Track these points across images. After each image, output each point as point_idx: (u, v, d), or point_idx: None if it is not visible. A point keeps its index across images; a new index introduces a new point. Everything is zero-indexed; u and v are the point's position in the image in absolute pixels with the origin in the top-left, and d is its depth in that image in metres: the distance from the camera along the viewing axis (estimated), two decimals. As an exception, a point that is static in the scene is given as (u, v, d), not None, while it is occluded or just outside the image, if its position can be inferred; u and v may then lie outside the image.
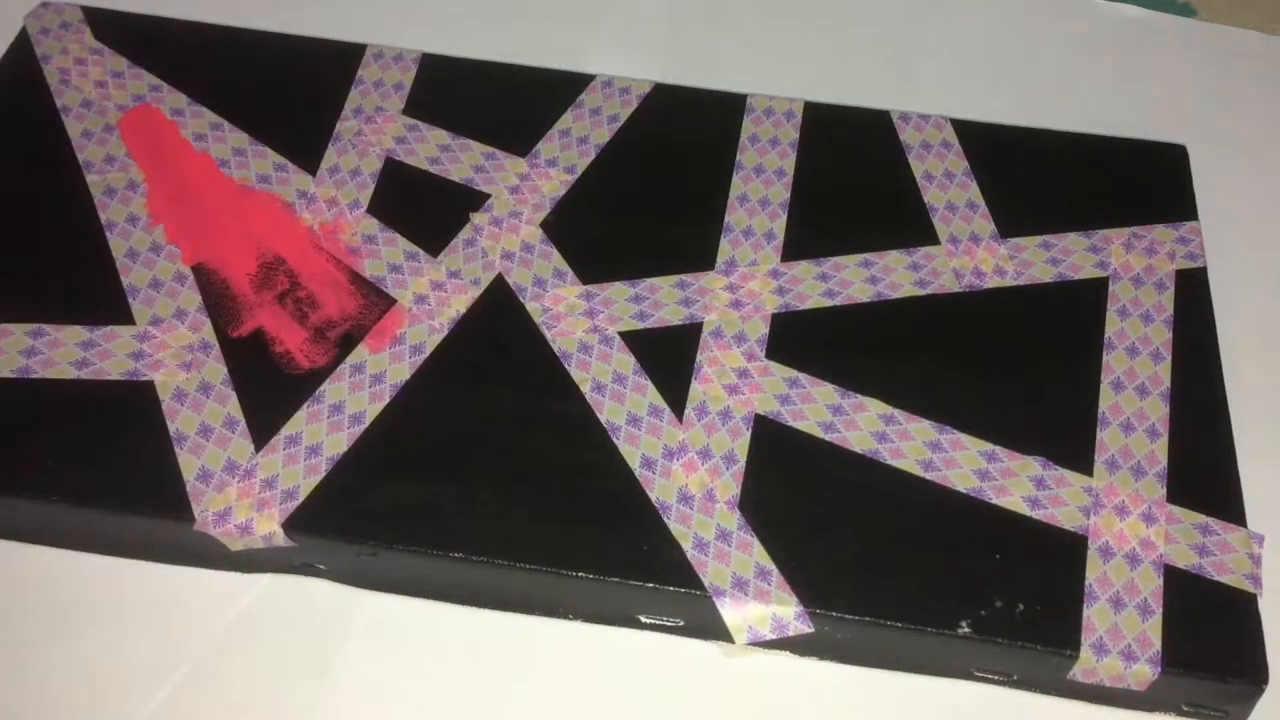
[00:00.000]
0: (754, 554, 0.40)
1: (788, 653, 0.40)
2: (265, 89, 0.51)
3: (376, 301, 0.45)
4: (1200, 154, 0.51)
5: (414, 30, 0.56)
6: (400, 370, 0.43)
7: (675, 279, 0.46)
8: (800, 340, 0.45)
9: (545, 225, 0.47)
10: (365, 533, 0.40)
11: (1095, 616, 0.39)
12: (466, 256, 0.46)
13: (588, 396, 0.43)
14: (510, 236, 0.47)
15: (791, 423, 0.42)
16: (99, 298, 0.44)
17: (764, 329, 0.45)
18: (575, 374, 0.43)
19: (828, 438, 0.42)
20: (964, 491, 0.41)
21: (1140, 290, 0.46)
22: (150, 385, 0.42)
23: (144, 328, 0.44)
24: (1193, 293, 0.47)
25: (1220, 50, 0.60)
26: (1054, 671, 0.39)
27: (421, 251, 0.46)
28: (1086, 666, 0.38)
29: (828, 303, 0.46)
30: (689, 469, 0.41)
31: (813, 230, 0.48)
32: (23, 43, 0.52)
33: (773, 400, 0.43)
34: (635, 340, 0.44)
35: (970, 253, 0.47)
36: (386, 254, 0.46)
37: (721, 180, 0.49)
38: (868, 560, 0.40)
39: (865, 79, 0.57)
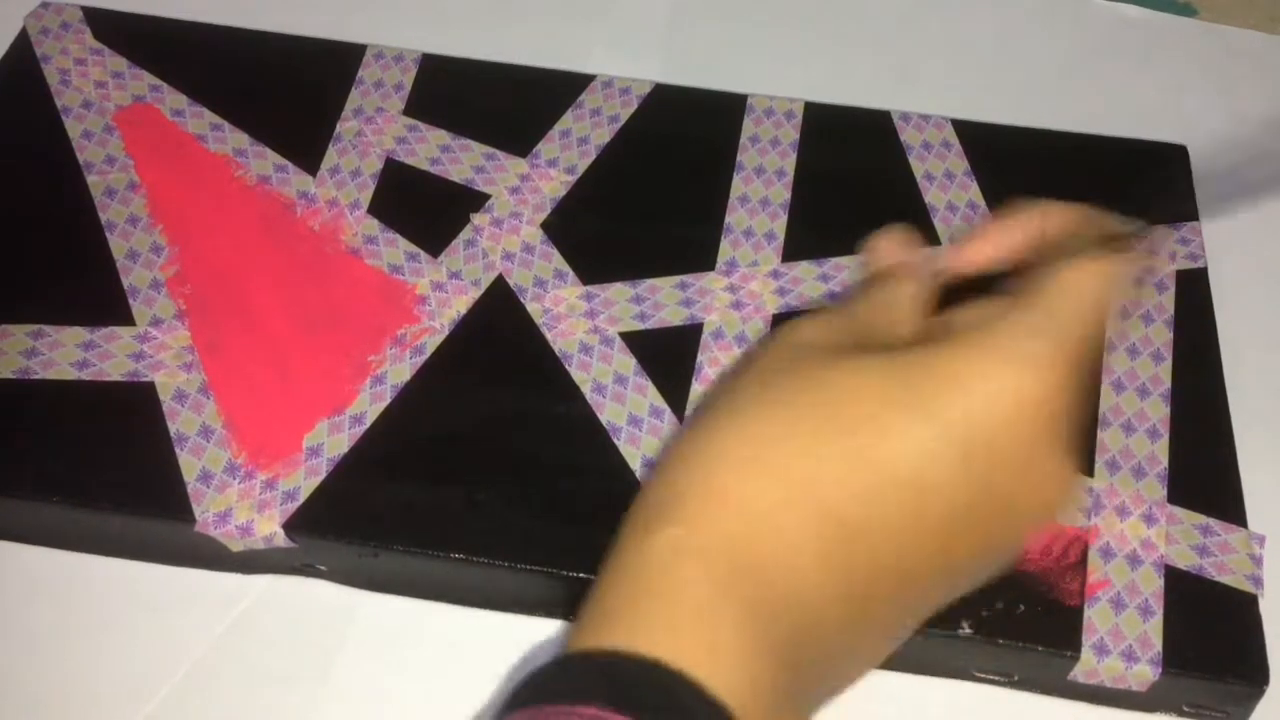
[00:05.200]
0: (755, 555, 0.39)
1: (788, 653, 0.40)
2: (265, 89, 0.51)
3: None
4: (1200, 154, 0.51)
5: (414, 30, 0.56)
6: (401, 371, 0.43)
7: (676, 280, 0.46)
8: (801, 341, 0.44)
9: (545, 226, 0.47)
10: (365, 533, 0.40)
11: (1096, 617, 0.39)
12: (467, 257, 0.46)
13: (588, 397, 0.43)
14: (510, 237, 0.47)
15: (792, 423, 0.42)
16: (99, 298, 0.44)
17: (765, 330, 0.45)
18: (575, 375, 0.43)
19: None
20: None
21: (1141, 291, 0.46)
22: (151, 386, 0.42)
23: (144, 329, 0.44)
24: (1193, 293, 0.46)
25: (1220, 50, 0.59)
26: (1055, 672, 0.39)
27: (422, 252, 0.46)
28: (1087, 667, 0.38)
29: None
30: (690, 469, 0.41)
31: (813, 230, 0.48)
32: (23, 43, 0.52)
33: (773, 401, 0.43)
34: (636, 341, 0.44)
35: (971, 253, 0.47)
36: (387, 255, 0.46)
37: (722, 180, 0.49)
38: (868, 561, 0.40)
39: (865, 79, 0.57)
